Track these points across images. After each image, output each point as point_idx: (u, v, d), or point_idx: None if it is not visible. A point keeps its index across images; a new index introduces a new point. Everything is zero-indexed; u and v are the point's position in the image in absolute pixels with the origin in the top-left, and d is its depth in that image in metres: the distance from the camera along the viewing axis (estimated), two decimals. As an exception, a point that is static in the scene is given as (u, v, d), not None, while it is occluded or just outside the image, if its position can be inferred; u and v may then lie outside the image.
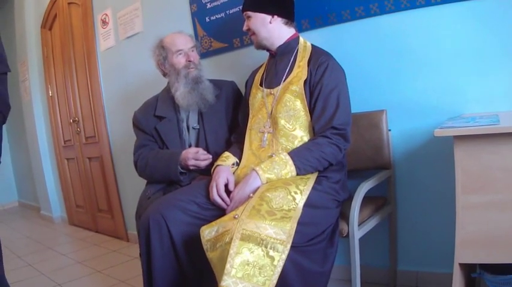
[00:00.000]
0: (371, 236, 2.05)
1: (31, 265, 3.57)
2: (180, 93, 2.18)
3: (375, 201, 2.06)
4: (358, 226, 1.83)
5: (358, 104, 2.04)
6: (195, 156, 2.09)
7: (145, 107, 2.38)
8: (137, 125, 2.35)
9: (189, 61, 2.20)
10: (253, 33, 1.99)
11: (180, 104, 2.21)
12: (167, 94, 2.29)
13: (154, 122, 2.28)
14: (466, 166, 1.57)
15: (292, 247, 1.48)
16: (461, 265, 1.61)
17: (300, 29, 2.21)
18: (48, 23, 4.75)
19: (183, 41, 2.23)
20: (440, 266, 2.09)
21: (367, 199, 1.92)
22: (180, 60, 2.20)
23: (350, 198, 1.86)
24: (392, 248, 2.23)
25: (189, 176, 2.17)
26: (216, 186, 1.81)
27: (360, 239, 1.83)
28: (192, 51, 2.24)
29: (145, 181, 2.33)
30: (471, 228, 1.58)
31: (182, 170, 2.15)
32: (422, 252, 2.19)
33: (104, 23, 3.72)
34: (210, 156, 2.11)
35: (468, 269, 1.71)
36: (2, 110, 1.81)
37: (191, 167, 2.11)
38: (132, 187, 3.70)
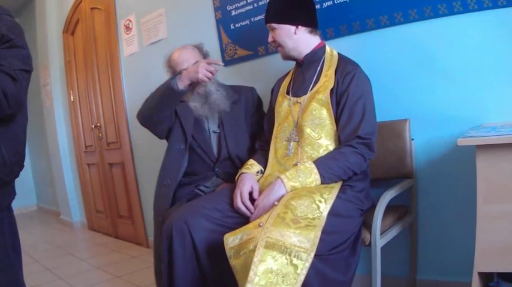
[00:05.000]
0: (391, 246, 2.04)
1: (49, 269, 3.57)
2: (194, 105, 2.23)
3: (397, 210, 2.06)
4: (380, 235, 1.83)
5: (381, 113, 2.03)
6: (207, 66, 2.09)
7: None
8: None
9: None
10: (279, 45, 1.99)
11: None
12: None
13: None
14: (488, 175, 1.57)
15: (315, 255, 1.48)
16: (480, 274, 1.61)
17: (325, 37, 2.21)
18: (70, 27, 4.79)
19: (185, 58, 2.23)
20: (459, 275, 2.07)
21: (389, 208, 1.92)
22: None
23: (373, 207, 1.86)
24: (412, 257, 2.22)
25: (213, 182, 2.21)
26: (241, 194, 1.82)
27: (381, 248, 1.83)
28: None
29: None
30: (491, 237, 1.58)
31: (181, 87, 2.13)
32: (442, 261, 2.18)
33: (128, 28, 3.75)
34: (222, 63, 2.16)
35: (486, 278, 1.71)
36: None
37: (200, 76, 2.08)
38: (153, 193, 3.68)
